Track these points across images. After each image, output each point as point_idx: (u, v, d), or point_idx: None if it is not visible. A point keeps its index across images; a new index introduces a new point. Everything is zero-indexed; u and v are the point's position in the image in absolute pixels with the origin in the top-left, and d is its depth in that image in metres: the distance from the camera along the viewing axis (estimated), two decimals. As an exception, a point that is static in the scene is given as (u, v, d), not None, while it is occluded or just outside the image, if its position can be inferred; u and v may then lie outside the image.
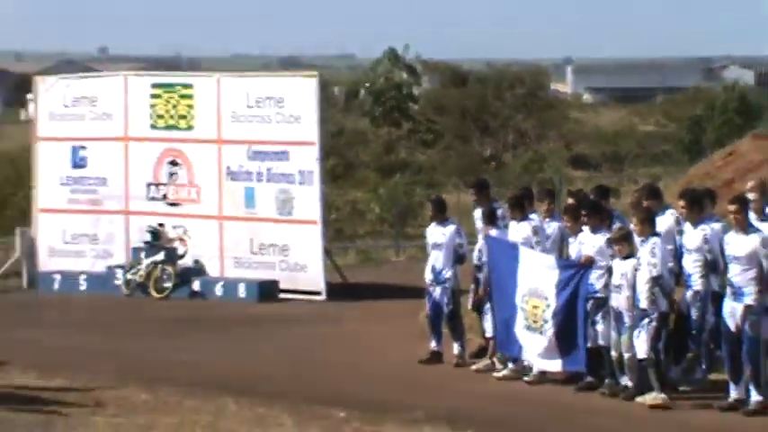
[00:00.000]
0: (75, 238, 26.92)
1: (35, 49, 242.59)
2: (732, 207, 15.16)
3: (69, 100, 27.18)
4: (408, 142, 66.12)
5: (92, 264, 26.53)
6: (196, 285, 25.30)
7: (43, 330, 21.67)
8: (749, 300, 14.82)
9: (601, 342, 16.13)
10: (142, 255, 25.70)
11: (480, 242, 18.15)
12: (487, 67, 79.67)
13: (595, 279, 16.17)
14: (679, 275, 16.00)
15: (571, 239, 16.90)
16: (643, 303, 15.38)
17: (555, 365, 16.77)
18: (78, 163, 27.00)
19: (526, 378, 17.04)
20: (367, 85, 69.91)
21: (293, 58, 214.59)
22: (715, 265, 15.55)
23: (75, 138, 26.97)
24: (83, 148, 26.94)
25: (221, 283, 25.19)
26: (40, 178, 27.51)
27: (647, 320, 15.36)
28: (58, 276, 26.47)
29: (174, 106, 26.07)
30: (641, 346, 15.36)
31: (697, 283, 15.82)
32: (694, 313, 15.87)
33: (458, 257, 18.40)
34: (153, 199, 26.28)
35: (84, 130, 26.91)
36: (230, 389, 16.28)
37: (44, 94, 27.83)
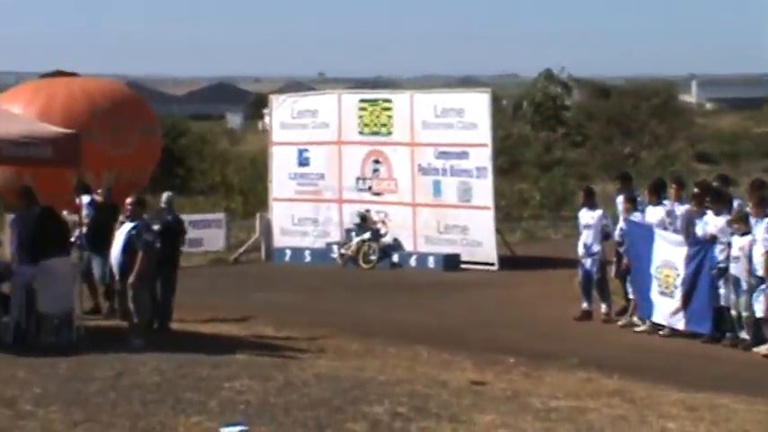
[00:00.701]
0: (300, 221, 27.24)
1: (269, 73, 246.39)
2: None
3: (296, 113, 27.50)
4: (563, 143, 65.28)
5: (314, 241, 26.79)
6: (395, 258, 25.42)
7: (277, 293, 21.96)
8: None
9: (723, 303, 15.82)
10: (353, 234, 25.93)
11: (621, 223, 17.89)
12: (627, 83, 78.24)
13: (718, 252, 15.84)
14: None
15: (697, 220, 16.56)
16: (760, 272, 14.99)
17: (681, 324, 16.48)
18: (303, 162, 27.28)
19: (661, 332, 16.75)
20: (529, 98, 69.32)
21: (470, 78, 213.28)
22: None
23: (300, 142, 27.27)
24: (306, 150, 27.22)
25: (415, 256, 25.25)
26: (274, 174, 27.88)
27: (764, 285, 14.99)
28: (288, 251, 26.83)
29: (377, 117, 26.18)
30: (759, 307, 15.00)
31: None
32: None
33: (604, 235, 18.20)
34: (360, 190, 26.43)
35: (307, 137, 27.20)
36: (423, 339, 16.28)
37: (276, 109, 28.23)
